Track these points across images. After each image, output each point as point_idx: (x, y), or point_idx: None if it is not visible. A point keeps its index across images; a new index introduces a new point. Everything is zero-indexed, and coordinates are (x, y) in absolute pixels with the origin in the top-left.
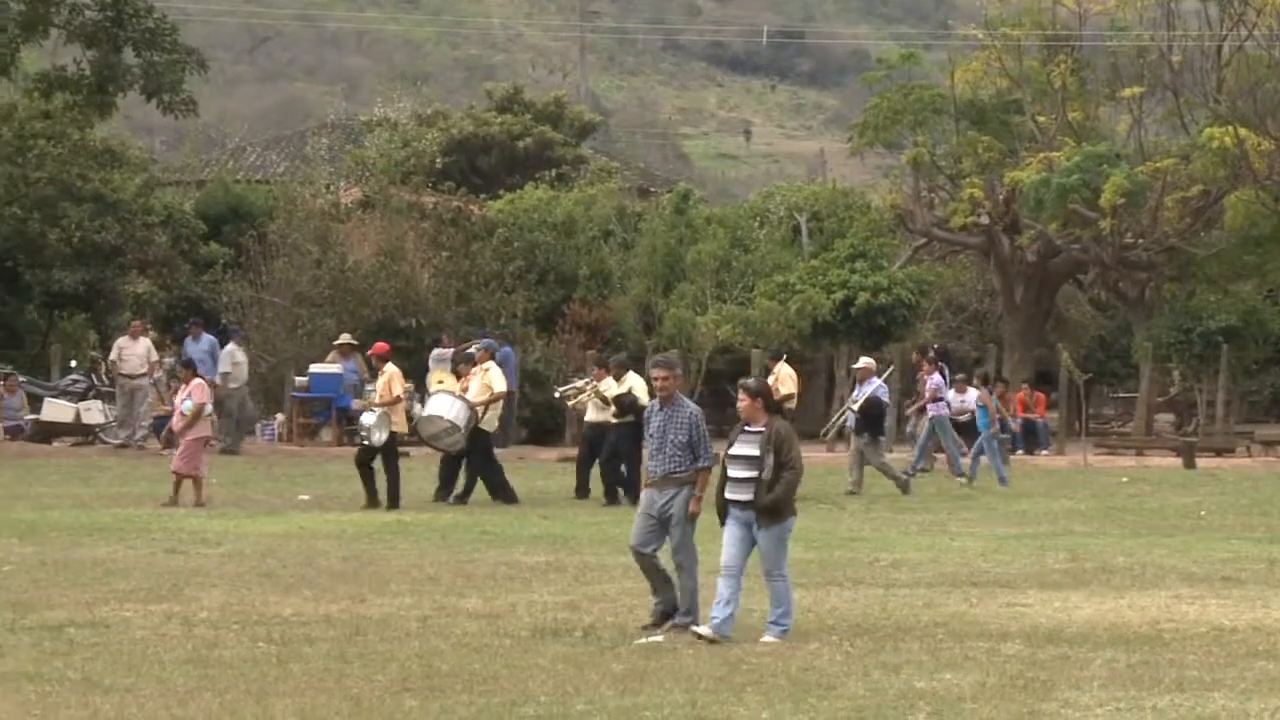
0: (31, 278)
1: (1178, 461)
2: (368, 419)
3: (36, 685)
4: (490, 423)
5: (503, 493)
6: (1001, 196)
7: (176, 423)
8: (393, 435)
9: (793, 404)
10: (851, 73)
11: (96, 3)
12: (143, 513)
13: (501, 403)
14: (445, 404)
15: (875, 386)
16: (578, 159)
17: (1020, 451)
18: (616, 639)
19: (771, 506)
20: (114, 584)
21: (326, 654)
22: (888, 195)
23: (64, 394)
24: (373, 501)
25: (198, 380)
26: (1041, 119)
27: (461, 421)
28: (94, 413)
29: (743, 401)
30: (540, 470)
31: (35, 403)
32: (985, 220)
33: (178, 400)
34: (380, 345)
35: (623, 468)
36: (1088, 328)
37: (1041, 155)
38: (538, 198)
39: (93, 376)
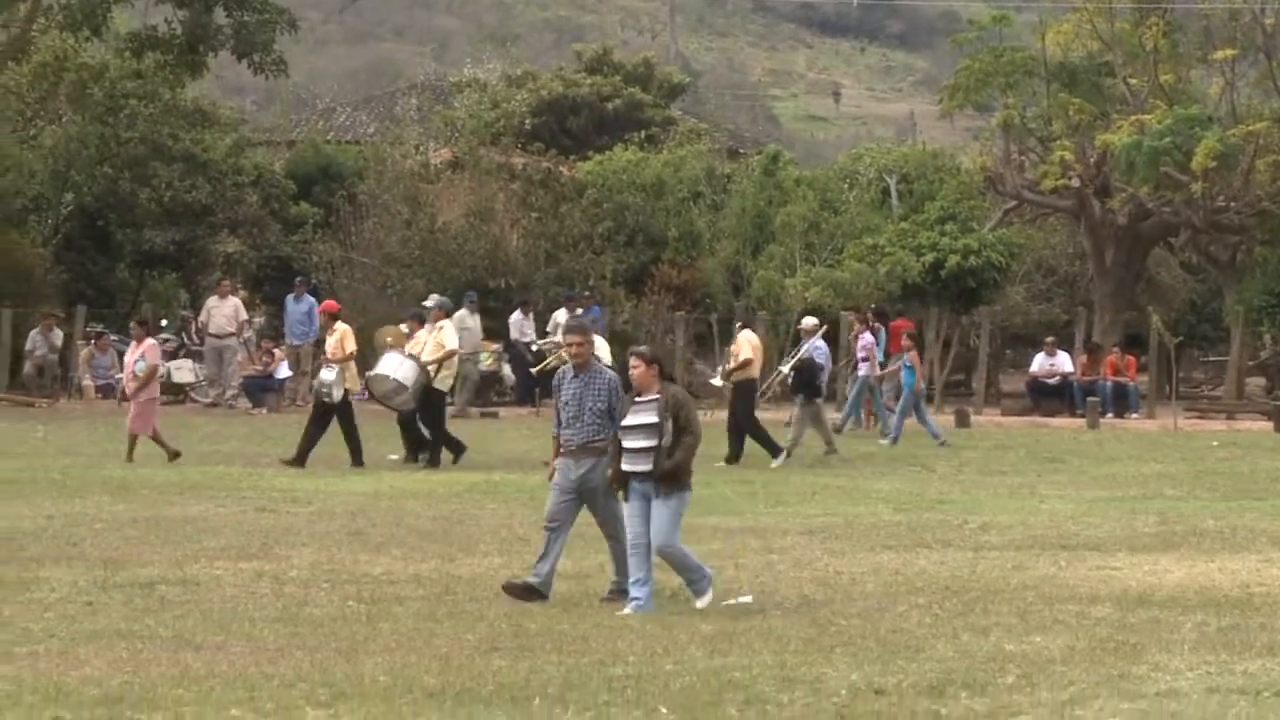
0: (123, 237)
1: (1269, 425)
2: (326, 375)
3: (128, 642)
4: (444, 381)
5: (447, 451)
6: (1092, 159)
7: (128, 383)
8: (346, 393)
9: (752, 371)
10: (942, 34)
11: None
12: (233, 471)
13: (455, 360)
14: (393, 363)
15: (810, 347)
16: (667, 120)
17: (1110, 415)
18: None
19: (672, 471)
20: (204, 542)
21: (416, 613)
22: (978, 158)
23: None
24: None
25: (150, 341)
26: (1133, 81)
27: (409, 381)
28: (184, 372)
29: (636, 368)
30: None
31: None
32: (1076, 183)
33: (129, 360)
34: (330, 303)
35: None
36: (1178, 291)
37: (1133, 118)
38: (627, 159)
39: (183, 335)
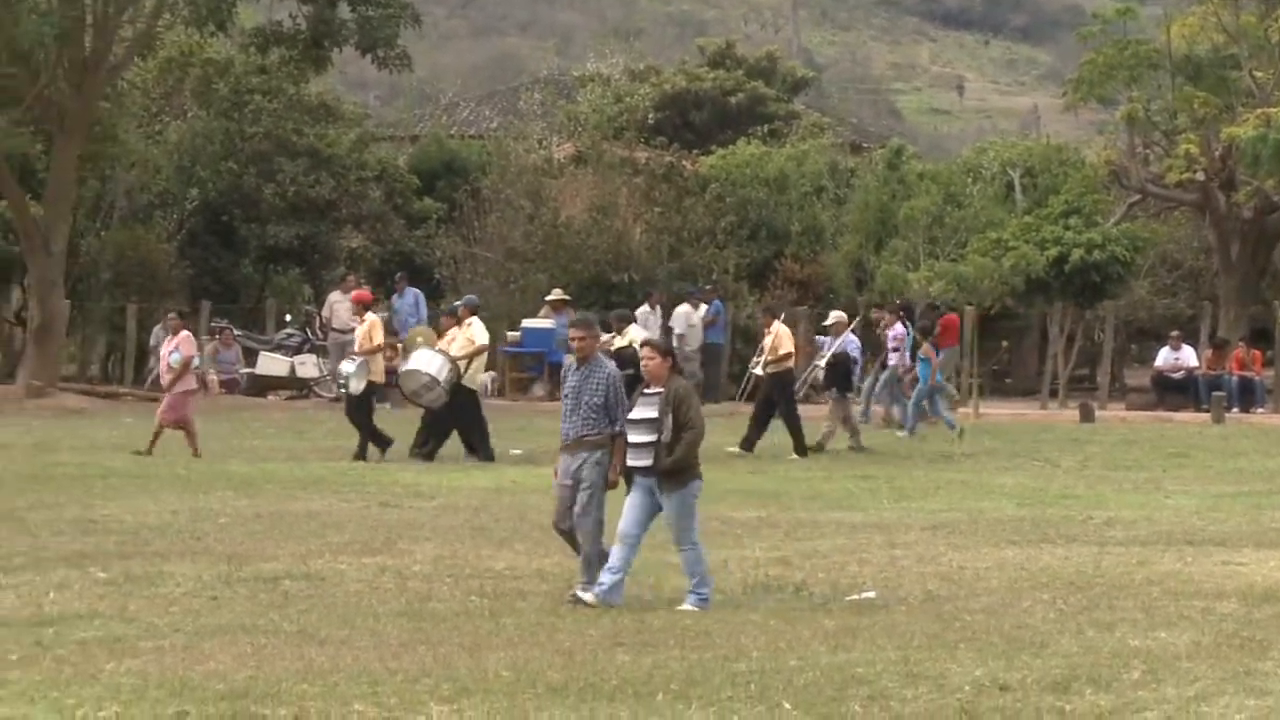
0: (247, 232)
1: None
2: (347, 367)
3: (252, 637)
4: (474, 379)
5: (482, 450)
6: (1217, 152)
7: (164, 375)
8: (370, 385)
9: (791, 363)
10: (1066, 27)
11: None
12: (356, 465)
13: (484, 357)
14: (426, 359)
15: (843, 341)
16: (790, 115)
17: (1236, 409)
18: (829, 595)
19: (671, 469)
20: (328, 537)
21: (539, 608)
22: (1102, 151)
23: (279, 348)
24: (377, 445)
25: (185, 333)
26: (1259, 74)
27: (442, 377)
28: (308, 366)
29: (652, 360)
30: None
31: (250, 356)
32: (1201, 176)
33: (164, 352)
34: (361, 294)
35: None
36: None
37: (1259, 111)
38: (750, 153)
39: (307, 330)
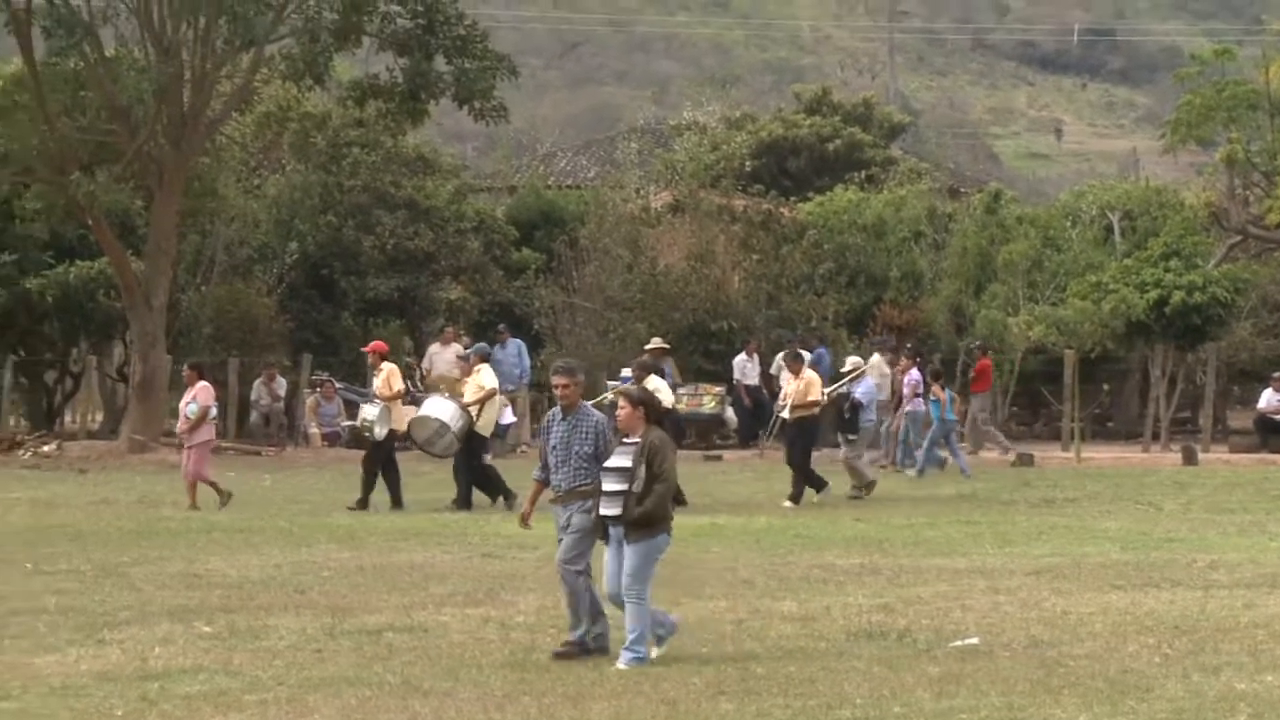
0: (347, 285)
1: None
2: (370, 412)
3: (356, 689)
4: (486, 426)
5: (486, 488)
6: None
7: (181, 426)
8: (391, 433)
9: (816, 410)
10: (1163, 70)
11: (409, 11)
12: (459, 517)
13: (495, 404)
14: (436, 406)
15: (849, 385)
16: (887, 160)
17: None
18: (932, 642)
19: (640, 520)
20: (431, 588)
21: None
22: (1201, 193)
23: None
24: (363, 503)
25: (203, 383)
26: None
27: (453, 423)
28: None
29: (624, 410)
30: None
31: (352, 409)
32: None
33: (182, 403)
34: (378, 344)
35: None
36: None
37: None
38: (847, 199)
39: (408, 382)
